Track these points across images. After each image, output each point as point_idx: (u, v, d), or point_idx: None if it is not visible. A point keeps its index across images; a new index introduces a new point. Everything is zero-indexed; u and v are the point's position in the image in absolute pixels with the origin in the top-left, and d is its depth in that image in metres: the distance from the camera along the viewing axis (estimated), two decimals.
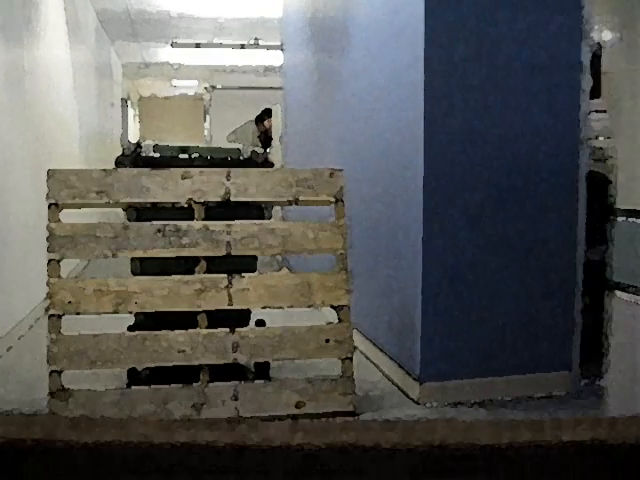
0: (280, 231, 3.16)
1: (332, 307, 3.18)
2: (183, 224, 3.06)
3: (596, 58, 3.74)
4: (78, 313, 2.96)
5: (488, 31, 3.25)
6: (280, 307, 3.17)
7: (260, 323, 3.53)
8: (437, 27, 3.21)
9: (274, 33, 8.53)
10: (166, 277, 3.04)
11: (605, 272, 3.58)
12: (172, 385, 3.01)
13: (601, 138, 3.81)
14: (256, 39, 10.11)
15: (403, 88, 3.51)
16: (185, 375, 3.04)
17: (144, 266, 3.21)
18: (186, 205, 3.09)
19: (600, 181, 3.71)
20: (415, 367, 3.34)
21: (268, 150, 6.59)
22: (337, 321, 3.17)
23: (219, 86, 15.15)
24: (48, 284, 2.93)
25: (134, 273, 3.36)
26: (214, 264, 3.10)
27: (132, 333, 3.08)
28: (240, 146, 3.66)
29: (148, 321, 3.19)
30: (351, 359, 3.12)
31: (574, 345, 3.42)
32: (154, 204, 3.09)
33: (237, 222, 3.11)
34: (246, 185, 3.13)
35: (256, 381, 3.26)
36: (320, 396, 3.10)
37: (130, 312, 3.14)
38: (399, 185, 3.59)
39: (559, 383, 3.41)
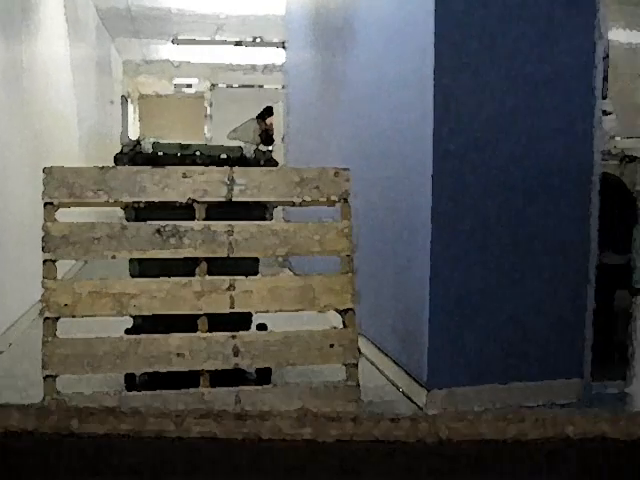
0: (283, 232, 3.05)
1: (337, 311, 3.08)
2: (183, 224, 2.96)
3: (604, 59, 3.66)
4: (74, 316, 2.86)
5: (501, 27, 3.15)
6: (283, 311, 3.07)
7: (262, 327, 3.44)
8: (448, 22, 3.11)
9: (276, 30, 8.44)
10: (165, 279, 2.93)
11: (629, 277, 3.49)
12: (171, 390, 2.90)
13: (617, 138, 3.72)
14: (258, 37, 10.02)
15: (411, 85, 3.41)
16: (184, 380, 2.94)
17: (143, 267, 3.11)
18: (187, 205, 2.98)
19: (614, 183, 3.62)
20: (422, 373, 3.24)
21: (270, 148, 6.49)
22: (342, 325, 3.07)
23: (220, 84, 15.07)
24: (43, 286, 2.83)
25: (132, 275, 3.27)
26: (215, 266, 3.00)
27: (130, 337, 2.98)
28: (242, 144, 3.56)
29: (146, 324, 3.09)
30: (356, 365, 3.03)
31: (586, 352, 3.33)
32: (153, 203, 2.98)
33: (239, 223, 3.00)
34: (249, 184, 3.03)
35: (258, 387, 3.17)
36: (324, 402, 3.00)
37: (128, 315, 3.04)
38: (406, 187, 3.50)
39: (570, 390, 3.32)
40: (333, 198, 3.08)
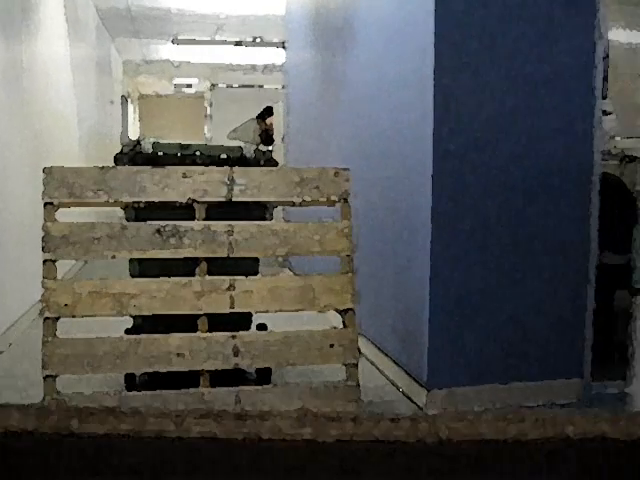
0: (283, 232, 3.05)
1: (337, 311, 3.08)
2: (183, 224, 2.95)
3: (604, 59, 3.66)
4: (74, 316, 2.85)
5: (501, 27, 3.15)
6: (283, 311, 3.07)
7: (262, 327, 3.43)
8: (448, 22, 3.11)
9: (276, 30, 8.44)
10: (165, 279, 2.93)
11: (629, 277, 3.49)
12: (171, 390, 2.90)
13: (617, 138, 3.72)
14: (258, 37, 10.01)
15: (411, 85, 3.41)
16: (184, 380, 2.94)
17: (143, 267, 3.11)
18: (187, 205, 2.98)
19: (614, 183, 3.62)
20: (422, 373, 3.24)
21: (270, 148, 6.48)
22: (342, 325, 3.06)
23: (220, 84, 15.06)
24: (43, 286, 2.83)
25: (132, 275, 3.27)
26: (215, 266, 3.00)
27: (130, 337, 2.97)
28: (242, 144, 3.55)
29: (146, 324, 3.09)
30: (356, 365, 3.02)
31: (586, 352, 3.32)
32: (153, 203, 2.98)
33: (239, 223, 3.00)
34: (249, 184, 3.02)
35: (258, 387, 3.17)
36: (324, 402, 3.00)
37: (128, 315, 3.04)
38: (406, 187, 3.50)
39: (570, 390, 3.31)
40: (333, 198, 3.07)
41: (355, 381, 3.02)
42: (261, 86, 13.96)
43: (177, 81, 15.93)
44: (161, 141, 3.40)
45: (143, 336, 2.93)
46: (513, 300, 3.26)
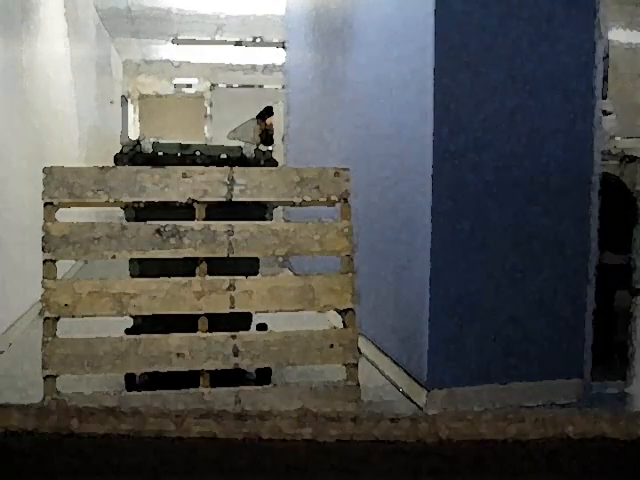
0: (283, 232, 3.05)
1: (337, 311, 3.08)
2: (183, 224, 2.95)
3: (604, 59, 3.65)
4: (74, 316, 2.85)
5: (501, 27, 3.15)
6: (283, 311, 3.07)
7: (262, 327, 3.43)
8: (448, 22, 3.10)
9: (276, 30, 8.44)
10: (165, 279, 2.93)
11: (629, 277, 3.49)
12: (171, 390, 2.90)
13: (618, 138, 3.72)
14: (258, 37, 10.01)
15: (411, 85, 3.41)
16: (184, 380, 2.94)
17: (143, 267, 3.11)
18: (187, 205, 2.98)
19: (614, 183, 3.62)
20: (422, 373, 3.24)
21: (270, 148, 6.48)
22: (342, 325, 3.06)
23: (220, 84, 15.06)
24: (43, 285, 2.83)
25: (133, 275, 3.26)
26: (215, 266, 3.00)
27: (130, 337, 2.97)
28: (243, 144, 3.55)
29: (146, 324, 3.08)
30: (356, 365, 3.02)
31: (586, 351, 3.32)
32: (153, 203, 2.98)
33: (239, 223, 3.00)
34: (249, 184, 3.02)
35: (258, 387, 3.17)
36: (324, 402, 3.00)
37: (128, 315, 3.04)
38: (406, 187, 3.49)
39: (570, 390, 3.31)
40: (333, 198, 3.07)
41: (355, 381, 3.02)
42: (261, 86, 13.97)
43: (177, 81, 15.93)
44: (161, 141, 3.40)
45: (143, 336, 2.93)
46: (513, 300, 3.25)
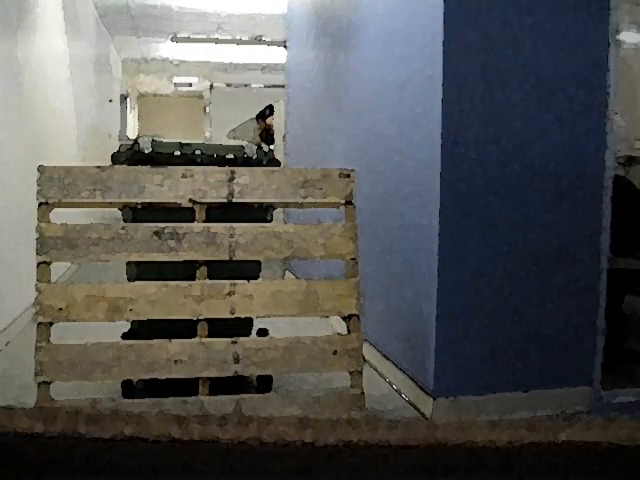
0: (287, 235, 2.95)
1: (341, 316, 2.98)
2: (183, 226, 2.85)
3: None
4: (69, 320, 2.75)
5: (511, 23, 3.05)
6: (285, 316, 2.97)
7: (262, 332, 3.34)
8: (457, 19, 3.01)
9: (277, 29, 8.35)
10: (164, 283, 2.83)
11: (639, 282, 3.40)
12: (169, 398, 2.80)
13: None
14: (259, 36, 9.92)
15: (418, 82, 3.31)
16: (183, 387, 2.84)
17: (140, 271, 3.01)
18: (186, 206, 2.88)
19: (624, 186, 3.54)
20: (428, 381, 3.14)
21: (272, 147, 6.39)
22: (346, 331, 2.96)
23: (220, 83, 14.97)
24: (37, 289, 2.73)
25: (130, 278, 3.16)
26: (215, 269, 2.89)
27: (126, 342, 2.87)
28: (244, 143, 3.45)
29: (144, 329, 2.99)
30: (361, 372, 2.93)
31: (596, 359, 3.23)
32: (152, 204, 2.88)
33: (241, 225, 2.90)
34: (251, 185, 2.92)
35: (259, 395, 3.08)
36: (327, 411, 2.91)
37: (125, 320, 2.94)
38: (412, 188, 3.40)
39: (580, 399, 3.22)
40: (338, 200, 2.98)
41: (359, 389, 2.92)
42: (261, 85, 13.88)
43: (177, 80, 15.84)
44: (160, 140, 3.30)
45: (140, 342, 2.83)
46: (521, 307, 3.16)
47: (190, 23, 9.93)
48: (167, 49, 12.06)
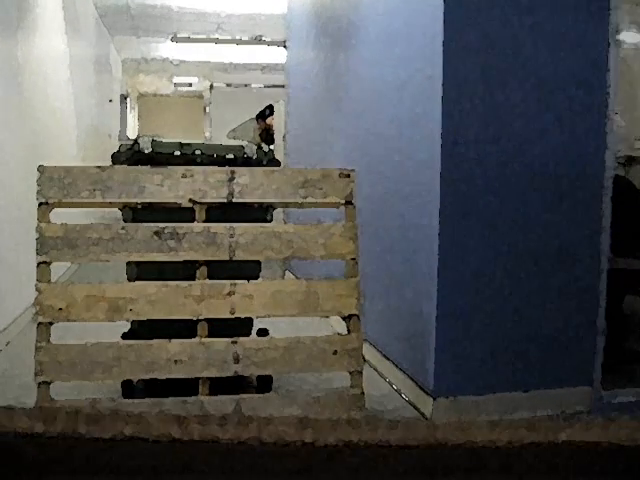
0: (287, 235, 2.95)
1: (341, 316, 2.98)
2: (183, 226, 2.85)
3: None
4: (69, 320, 2.75)
5: (511, 23, 3.05)
6: (285, 316, 2.97)
7: (263, 332, 3.34)
8: (457, 19, 3.01)
9: (277, 29, 8.35)
10: (164, 283, 2.83)
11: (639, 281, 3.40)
12: (169, 398, 2.80)
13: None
14: (259, 36, 9.92)
15: (418, 82, 3.31)
16: (183, 387, 2.84)
17: (141, 271, 3.01)
18: (186, 206, 2.88)
19: (624, 186, 3.54)
20: (428, 381, 3.14)
21: (272, 147, 6.39)
22: (346, 331, 2.96)
23: (220, 83, 14.97)
24: (37, 289, 2.73)
25: (130, 278, 3.16)
26: (215, 269, 2.89)
27: (126, 342, 2.87)
28: (244, 143, 3.45)
29: (144, 329, 2.99)
30: (361, 372, 2.93)
31: (596, 359, 3.23)
32: (152, 204, 2.88)
33: (241, 225, 2.90)
34: (251, 185, 2.92)
35: (259, 395, 3.08)
36: (327, 411, 2.91)
37: (125, 320, 2.94)
38: (412, 188, 3.40)
39: (580, 399, 3.22)
40: (337, 200, 2.98)
41: (359, 389, 2.92)
42: (261, 85, 13.88)
43: (177, 80, 15.84)
44: (160, 140, 3.30)
45: (140, 342, 2.83)
46: (521, 307, 3.16)
47: (190, 23, 9.93)
48: (167, 49, 12.06)
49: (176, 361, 2.81)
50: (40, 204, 2.76)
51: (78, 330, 2.95)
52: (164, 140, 3.30)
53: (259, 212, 3.09)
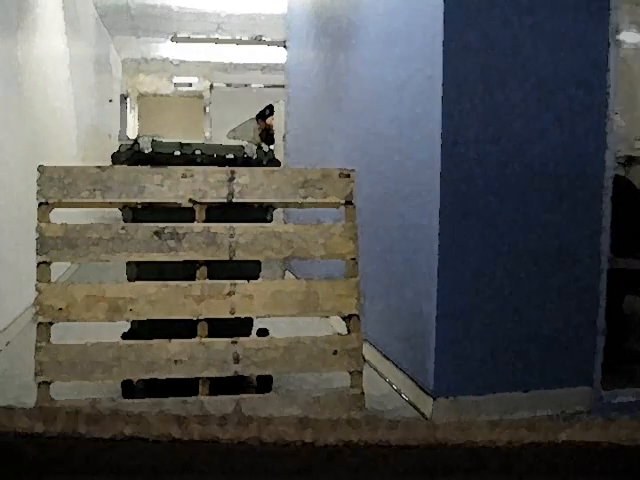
0: (287, 235, 2.95)
1: (341, 316, 2.98)
2: (183, 226, 2.85)
3: None
4: (69, 320, 2.75)
5: (511, 23, 3.05)
6: (286, 316, 2.97)
7: (263, 332, 3.34)
8: (457, 19, 3.01)
9: (277, 29, 8.35)
10: (164, 283, 2.83)
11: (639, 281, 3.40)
12: (169, 398, 2.80)
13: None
14: (259, 36, 9.92)
15: (418, 82, 3.31)
16: (183, 387, 2.84)
17: (141, 271, 3.01)
18: (186, 206, 2.88)
19: (624, 186, 3.53)
20: (428, 381, 3.14)
21: (272, 147, 6.39)
22: (346, 331, 2.97)
23: (220, 83, 14.97)
24: (37, 289, 2.73)
25: (130, 278, 3.16)
26: (215, 269, 2.89)
27: (126, 342, 2.87)
28: (244, 143, 3.45)
29: (144, 329, 2.99)
30: (361, 372, 2.93)
31: (596, 359, 3.23)
32: (152, 204, 2.88)
33: (241, 225, 2.90)
34: (251, 185, 2.92)
35: (259, 395, 3.08)
36: (327, 411, 2.91)
37: (125, 320, 2.94)
38: (412, 188, 3.40)
39: (580, 399, 3.22)
40: (337, 200, 2.98)
41: (359, 389, 2.92)
42: (261, 85, 13.88)
43: (177, 80, 15.84)
44: (160, 140, 3.30)
45: (140, 342, 2.83)
46: (521, 307, 3.16)
47: (190, 23, 9.93)
48: (167, 49, 12.06)
49: (176, 361, 2.81)
50: (40, 204, 2.76)
51: (78, 330, 2.95)
52: (164, 140, 3.30)
53: (259, 212, 3.09)
